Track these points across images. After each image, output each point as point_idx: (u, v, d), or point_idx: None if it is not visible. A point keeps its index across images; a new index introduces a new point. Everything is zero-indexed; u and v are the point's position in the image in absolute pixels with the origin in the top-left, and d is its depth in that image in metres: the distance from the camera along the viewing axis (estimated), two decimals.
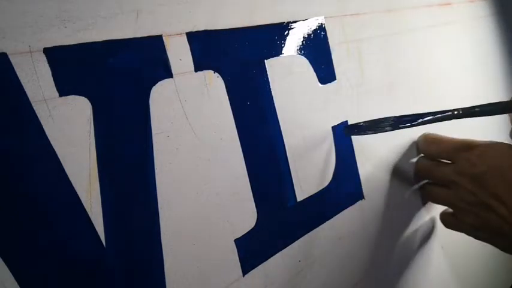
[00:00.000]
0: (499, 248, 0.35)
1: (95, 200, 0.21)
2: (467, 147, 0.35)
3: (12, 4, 0.19)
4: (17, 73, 0.19)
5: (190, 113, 0.25)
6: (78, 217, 0.20)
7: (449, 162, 0.37)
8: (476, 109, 0.33)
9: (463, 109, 0.33)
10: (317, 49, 0.33)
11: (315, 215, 0.32)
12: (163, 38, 0.24)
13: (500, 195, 0.32)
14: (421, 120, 0.33)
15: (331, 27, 0.34)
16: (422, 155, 0.41)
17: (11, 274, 0.18)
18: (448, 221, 0.40)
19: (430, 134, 0.40)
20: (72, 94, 0.20)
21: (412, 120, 0.33)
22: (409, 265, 0.41)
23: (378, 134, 0.35)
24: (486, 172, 0.33)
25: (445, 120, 0.33)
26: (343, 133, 0.34)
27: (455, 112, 0.33)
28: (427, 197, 0.42)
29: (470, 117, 0.33)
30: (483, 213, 0.34)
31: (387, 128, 0.33)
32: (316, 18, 0.33)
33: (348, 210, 0.34)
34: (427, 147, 0.39)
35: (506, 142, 0.34)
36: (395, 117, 0.34)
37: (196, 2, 0.26)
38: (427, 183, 0.41)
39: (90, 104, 0.21)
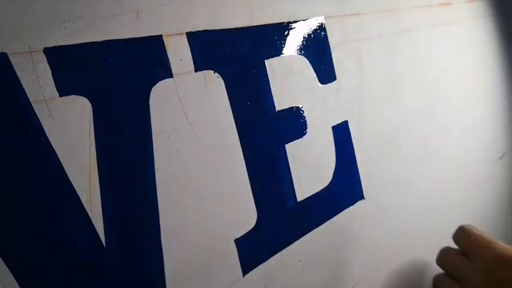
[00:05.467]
0: None
1: (95, 200, 0.21)
2: (486, 247, 0.33)
3: (12, 4, 0.19)
4: (17, 73, 0.19)
5: (190, 113, 0.25)
6: (78, 217, 0.20)
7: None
8: None
9: None
10: (317, 49, 0.33)
11: (315, 215, 0.32)
12: (163, 38, 0.24)
13: None
14: None
15: (331, 27, 0.34)
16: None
17: (11, 274, 0.18)
18: None
19: (466, 226, 0.37)
20: (72, 94, 0.20)
21: None
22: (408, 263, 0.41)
23: None
24: (502, 284, 0.30)
25: None
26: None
27: None
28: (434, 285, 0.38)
29: None
30: None
31: None
32: (316, 18, 0.33)
33: (348, 210, 0.34)
34: (457, 240, 0.37)
35: None
36: None
37: (196, 2, 0.26)
38: (441, 274, 0.37)
39: (90, 104, 0.21)
